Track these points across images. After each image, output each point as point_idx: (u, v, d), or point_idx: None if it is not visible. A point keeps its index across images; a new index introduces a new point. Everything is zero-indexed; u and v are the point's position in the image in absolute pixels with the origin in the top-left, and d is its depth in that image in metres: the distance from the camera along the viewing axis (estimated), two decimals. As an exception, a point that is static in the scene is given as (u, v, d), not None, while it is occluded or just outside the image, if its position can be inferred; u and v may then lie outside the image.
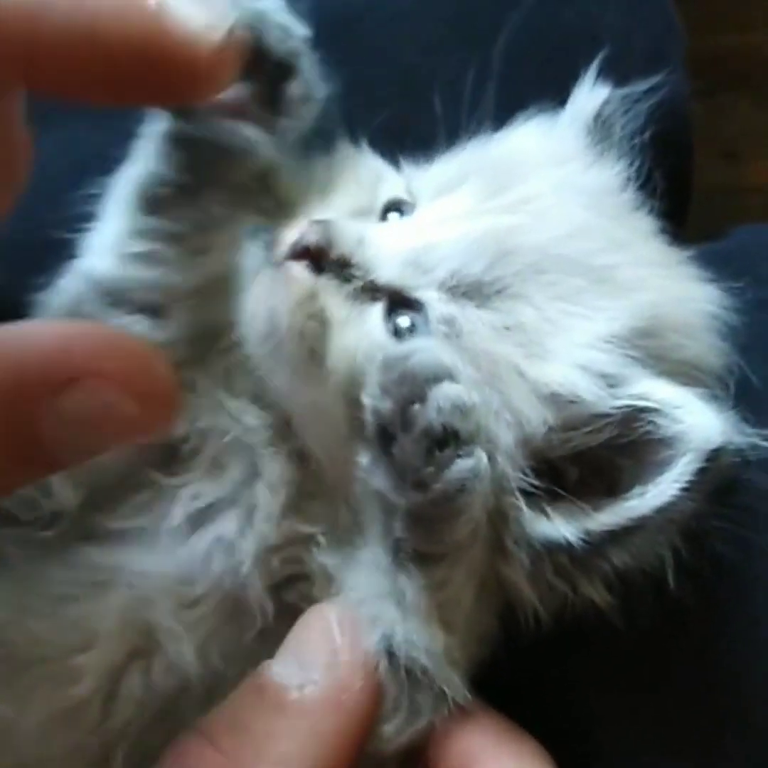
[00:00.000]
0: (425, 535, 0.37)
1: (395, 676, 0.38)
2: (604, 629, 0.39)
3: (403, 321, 0.41)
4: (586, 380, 0.37)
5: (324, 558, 0.42)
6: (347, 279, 0.41)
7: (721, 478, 0.36)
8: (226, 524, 0.42)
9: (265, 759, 0.37)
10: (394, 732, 0.39)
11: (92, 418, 0.31)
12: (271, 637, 0.42)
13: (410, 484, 0.36)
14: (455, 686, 0.38)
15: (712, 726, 0.42)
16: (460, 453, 0.35)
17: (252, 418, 0.43)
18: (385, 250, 0.41)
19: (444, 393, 0.35)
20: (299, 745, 0.37)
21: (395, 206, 0.45)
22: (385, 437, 0.36)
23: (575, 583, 0.39)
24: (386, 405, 0.36)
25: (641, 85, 0.48)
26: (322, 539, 0.42)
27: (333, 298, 0.40)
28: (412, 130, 0.48)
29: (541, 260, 0.40)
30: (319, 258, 0.40)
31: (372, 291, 0.41)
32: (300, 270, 0.40)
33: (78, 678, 0.41)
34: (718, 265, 0.46)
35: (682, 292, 0.42)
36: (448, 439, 0.35)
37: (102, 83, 0.29)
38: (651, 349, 0.38)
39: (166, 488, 0.43)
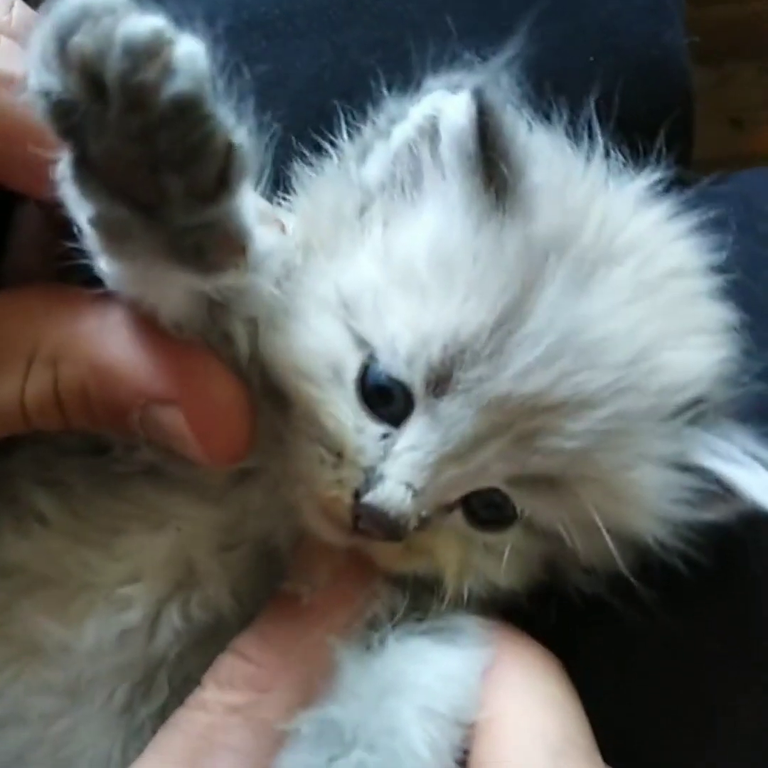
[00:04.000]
0: None
1: None
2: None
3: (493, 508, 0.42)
4: (665, 529, 0.42)
5: None
6: (426, 523, 0.41)
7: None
8: (264, 486, 0.45)
9: (290, 659, 0.41)
10: None
11: (167, 430, 0.38)
12: None
13: None
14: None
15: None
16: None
17: None
18: (439, 481, 0.40)
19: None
20: (317, 641, 0.41)
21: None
22: None
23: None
24: None
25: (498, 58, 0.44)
26: None
27: (423, 539, 0.42)
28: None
29: (595, 445, 0.40)
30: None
31: (449, 509, 0.43)
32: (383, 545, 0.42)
33: (127, 607, 0.44)
34: (723, 206, 0.48)
35: (703, 360, 0.43)
36: None
37: None
38: (695, 417, 0.42)
39: None
